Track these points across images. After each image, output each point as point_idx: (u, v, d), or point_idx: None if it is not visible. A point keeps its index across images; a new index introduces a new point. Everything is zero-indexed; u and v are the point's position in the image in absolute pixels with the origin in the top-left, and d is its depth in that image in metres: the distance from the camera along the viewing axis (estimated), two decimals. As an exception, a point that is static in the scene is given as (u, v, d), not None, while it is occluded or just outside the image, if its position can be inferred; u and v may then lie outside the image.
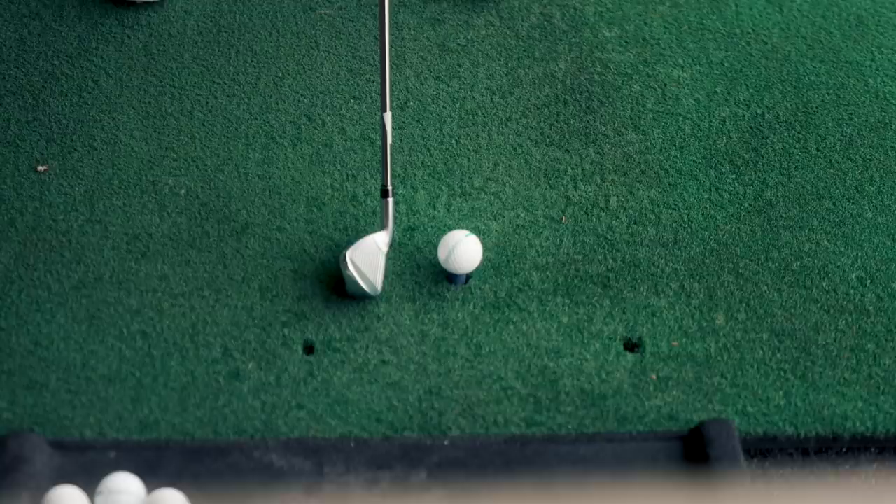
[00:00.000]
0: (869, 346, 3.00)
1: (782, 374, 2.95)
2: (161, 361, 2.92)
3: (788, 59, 3.50)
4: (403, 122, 3.32)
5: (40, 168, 3.21)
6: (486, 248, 3.07)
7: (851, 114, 3.40)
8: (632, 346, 2.99)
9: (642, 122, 3.35)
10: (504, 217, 3.17)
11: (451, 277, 3.05)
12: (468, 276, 3.05)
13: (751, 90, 3.43)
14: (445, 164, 3.26)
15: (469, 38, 3.51)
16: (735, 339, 3.00)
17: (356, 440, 2.81)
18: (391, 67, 2.96)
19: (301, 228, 3.13)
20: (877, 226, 3.19)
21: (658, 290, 3.07)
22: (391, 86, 2.97)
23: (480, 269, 3.06)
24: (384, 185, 3.04)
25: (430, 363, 2.94)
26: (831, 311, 3.05)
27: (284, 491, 2.72)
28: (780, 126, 3.37)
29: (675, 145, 3.32)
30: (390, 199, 3.05)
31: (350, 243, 3.02)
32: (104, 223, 3.12)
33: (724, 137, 3.34)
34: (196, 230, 3.12)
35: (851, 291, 3.08)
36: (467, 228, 3.09)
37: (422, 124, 3.34)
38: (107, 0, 3.52)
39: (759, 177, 3.27)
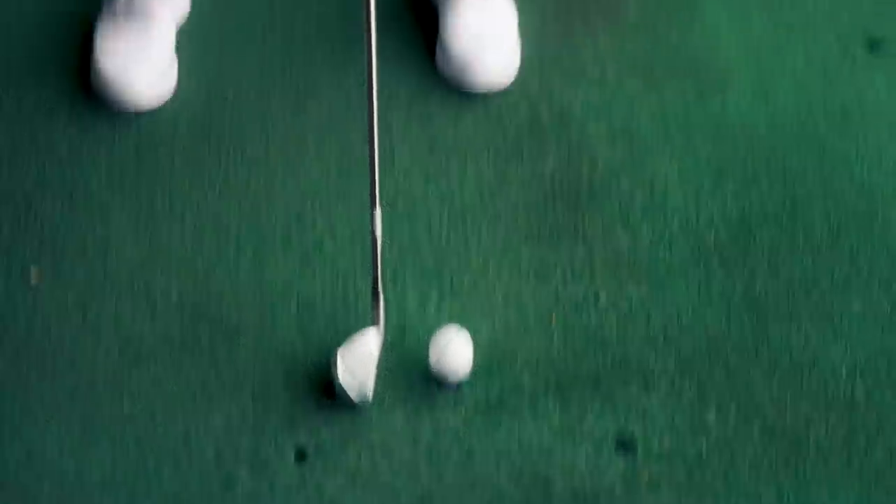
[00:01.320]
0: (860, 439, 3.00)
1: (773, 470, 2.95)
2: (154, 468, 2.92)
3: (775, 152, 3.50)
4: (392, 222, 3.31)
5: (34, 280, 3.20)
6: (476, 349, 3.06)
7: (837, 203, 3.39)
8: (623, 444, 3.00)
9: (631, 219, 3.35)
10: (494, 317, 3.17)
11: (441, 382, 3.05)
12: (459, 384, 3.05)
13: (738, 184, 3.43)
14: (435, 265, 3.26)
15: (457, 136, 3.51)
16: (726, 437, 3.00)
17: (349, 549, 2.82)
18: (380, 166, 2.96)
19: (292, 331, 3.14)
20: (865, 318, 3.20)
21: (649, 387, 3.07)
22: (380, 185, 2.97)
23: (471, 371, 3.06)
24: (374, 286, 3.04)
25: (423, 468, 2.94)
26: (821, 406, 3.05)
27: None
28: (768, 219, 3.36)
29: (663, 241, 3.32)
30: (381, 300, 3.05)
31: (341, 346, 3.01)
32: (97, 328, 3.13)
33: (713, 232, 3.34)
34: (188, 333, 3.13)
35: (841, 385, 3.09)
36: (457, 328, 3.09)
37: (411, 224, 3.34)
38: (99, 105, 3.52)
39: (747, 272, 3.27)
